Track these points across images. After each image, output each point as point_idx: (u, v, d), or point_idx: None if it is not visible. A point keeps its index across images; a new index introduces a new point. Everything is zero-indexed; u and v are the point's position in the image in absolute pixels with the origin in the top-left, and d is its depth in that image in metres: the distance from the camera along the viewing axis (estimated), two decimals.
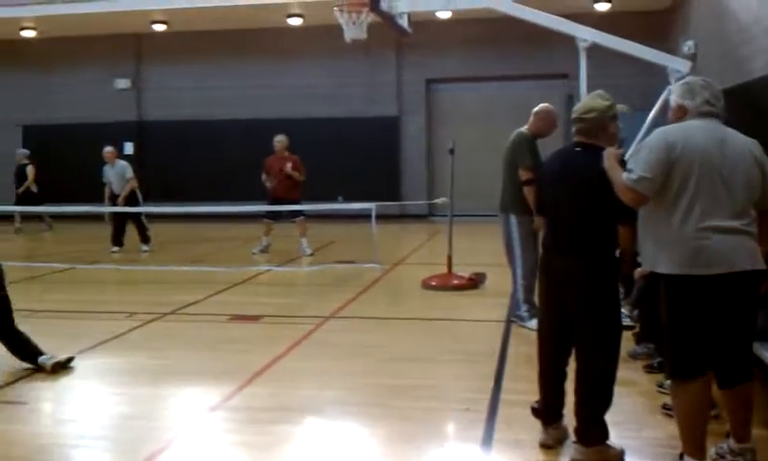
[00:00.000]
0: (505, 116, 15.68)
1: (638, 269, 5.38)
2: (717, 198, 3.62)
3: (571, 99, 15.38)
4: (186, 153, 19.01)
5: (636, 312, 6.09)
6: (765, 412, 4.51)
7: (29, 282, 10.61)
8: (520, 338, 6.69)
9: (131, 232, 13.15)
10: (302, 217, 12.38)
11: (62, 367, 5.86)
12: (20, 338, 5.93)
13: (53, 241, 15.71)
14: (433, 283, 9.20)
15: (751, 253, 3.65)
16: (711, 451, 3.87)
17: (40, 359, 5.83)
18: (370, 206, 10.99)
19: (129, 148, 18.99)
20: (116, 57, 19.58)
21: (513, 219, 7.07)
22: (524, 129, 7.12)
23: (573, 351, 4.19)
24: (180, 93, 19.34)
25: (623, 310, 4.61)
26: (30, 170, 16.60)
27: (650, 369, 5.52)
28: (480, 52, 18.02)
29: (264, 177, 12.43)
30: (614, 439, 4.10)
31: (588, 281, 4.03)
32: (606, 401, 4.06)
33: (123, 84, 19.65)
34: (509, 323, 7.23)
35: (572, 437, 4.13)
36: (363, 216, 11.69)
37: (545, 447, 4.24)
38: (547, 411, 4.28)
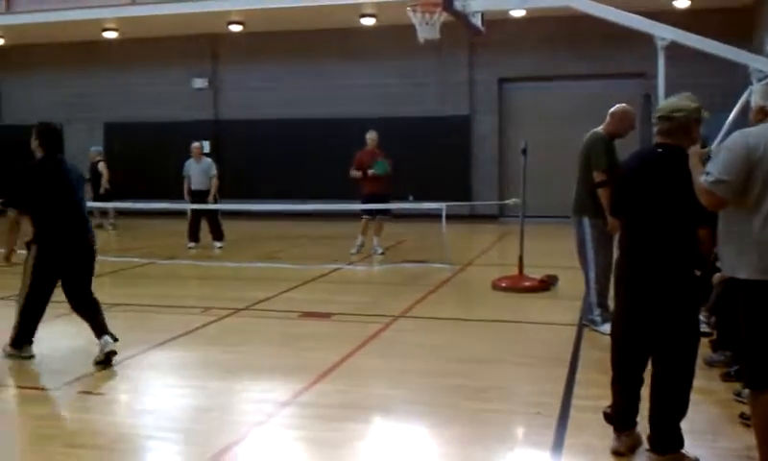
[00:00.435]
0: (579, 116, 15.40)
1: (717, 274, 5.25)
2: None
3: (648, 99, 15.05)
4: (260, 151, 19.32)
5: (713, 319, 5.94)
6: None
7: (110, 276, 10.97)
8: (593, 342, 6.59)
9: (204, 228, 13.43)
10: (384, 216, 12.41)
11: (106, 360, 5.96)
12: (94, 305, 6.23)
13: (133, 237, 16.17)
14: (504, 285, 9.14)
15: None
16: None
17: (104, 338, 6.00)
18: (440, 205, 10.98)
19: (205, 146, 19.38)
20: (194, 57, 20.04)
21: (586, 221, 6.97)
22: (600, 129, 7.01)
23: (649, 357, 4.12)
24: (254, 93, 19.67)
25: (700, 317, 4.50)
26: (102, 167, 17.10)
27: (727, 377, 5.36)
28: (554, 50, 17.79)
29: (354, 172, 12.33)
30: (689, 448, 4.01)
31: (668, 286, 3.95)
32: (681, 409, 3.98)
33: (200, 83, 20.09)
34: (581, 326, 7.12)
35: (645, 445, 4.06)
36: (433, 216, 11.69)
37: (617, 454, 4.17)
38: (620, 417, 4.21)
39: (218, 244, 13.31)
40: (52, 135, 6.23)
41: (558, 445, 4.40)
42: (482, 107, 18.73)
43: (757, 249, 3.55)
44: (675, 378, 3.97)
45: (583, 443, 4.38)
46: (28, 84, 21.20)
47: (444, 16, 10.97)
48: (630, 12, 10.08)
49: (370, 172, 12.08)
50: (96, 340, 6.01)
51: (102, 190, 16.88)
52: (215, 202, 13.27)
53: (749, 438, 3.96)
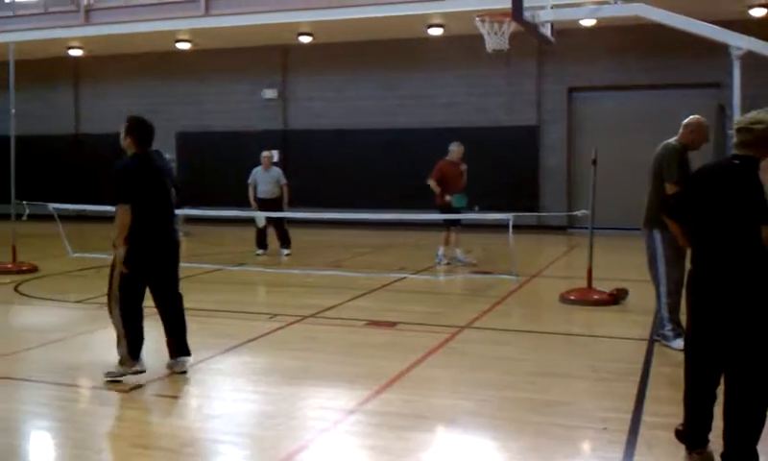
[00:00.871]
0: (650, 127, 15.18)
1: None
2: None
3: (722, 110, 14.67)
4: (327, 161, 19.53)
5: None
6: None
7: (183, 282, 11.20)
8: (664, 358, 6.46)
9: (272, 235, 13.62)
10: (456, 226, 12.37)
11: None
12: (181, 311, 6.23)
13: (203, 243, 16.49)
14: (572, 297, 9.01)
15: None
16: None
17: (180, 359, 6.05)
18: (507, 216, 10.91)
19: (275, 156, 19.70)
20: (264, 68, 20.39)
21: (657, 234, 6.83)
22: (674, 140, 6.87)
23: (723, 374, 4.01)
24: (323, 103, 19.92)
25: None
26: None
27: None
28: (625, 60, 17.53)
29: (434, 184, 12.18)
30: None
31: (744, 301, 3.86)
32: (758, 428, 3.86)
33: (270, 93, 20.42)
34: (652, 342, 6.98)
35: None
36: (500, 226, 11.62)
37: None
38: (692, 435, 4.11)
39: (285, 251, 13.50)
40: (144, 130, 6.07)
41: None
42: (550, 117, 18.56)
43: None
44: (750, 395, 3.86)
45: None
46: (104, 93, 21.89)
47: (513, 26, 10.93)
48: (703, 20, 9.86)
49: (447, 198, 11.99)
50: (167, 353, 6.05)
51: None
52: (272, 209, 13.44)
53: None
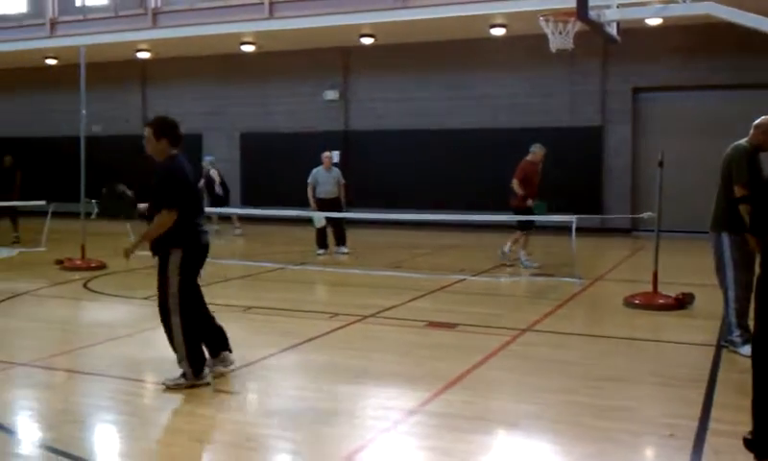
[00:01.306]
0: (718, 127, 14.82)
1: None
2: None
3: None
4: (388, 162, 19.57)
5: None
6: None
7: (245, 280, 11.43)
8: (732, 364, 6.29)
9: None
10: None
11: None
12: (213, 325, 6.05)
13: (265, 242, 16.71)
14: (636, 302, 8.84)
15: None
16: None
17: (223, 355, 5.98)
18: (570, 218, 10.77)
19: (335, 156, 19.83)
20: (326, 69, 20.54)
21: (725, 238, 6.66)
22: (744, 141, 6.69)
23: None
24: (384, 104, 19.98)
25: None
26: (215, 175, 17.74)
27: None
28: (692, 60, 17.13)
29: (516, 183, 12.00)
30: None
31: None
32: None
33: (331, 95, 20.56)
34: (719, 347, 6.80)
35: None
36: (562, 228, 11.48)
37: None
38: (761, 443, 4.00)
39: (343, 249, 13.62)
40: (177, 130, 5.86)
41: None
42: (615, 117, 18.25)
43: None
44: None
45: None
46: (170, 95, 22.34)
47: (578, 26, 10.78)
48: None
49: (529, 202, 11.83)
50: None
51: (221, 192, 17.49)
52: (333, 210, 13.59)
53: None
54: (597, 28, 10.46)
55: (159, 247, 5.69)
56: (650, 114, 18.29)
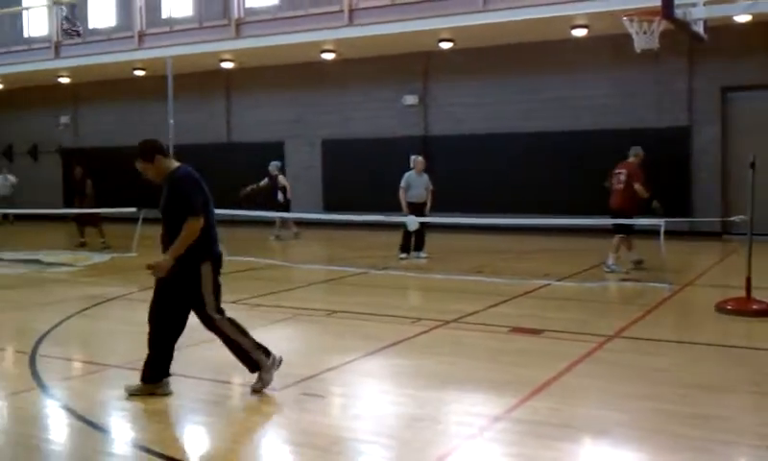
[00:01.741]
0: None
1: None
2: None
3: None
4: (468, 166, 19.47)
5: None
6: None
7: (328, 285, 11.55)
8: None
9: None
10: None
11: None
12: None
13: (346, 247, 16.85)
14: (729, 307, 8.54)
15: None
16: None
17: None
18: (659, 222, 10.50)
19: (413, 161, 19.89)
20: (405, 74, 20.59)
21: None
22: None
23: None
24: (463, 108, 19.88)
25: None
26: (283, 179, 17.93)
27: None
28: None
29: (641, 188, 11.78)
30: None
31: None
32: None
33: (411, 100, 20.59)
34: None
35: None
36: (649, 232, 11.19)
37: None
38: None
39: (423, 254, 13.66)
40: (159, 143, 5.83)
41: None
42: (703, 117, 17.69)
43: None
44: None
45: None
46: (253, 104, 22.80)
47: (663, 25, 10.53)
48: None
49: (655, 204, 11.64)
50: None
51: (283, 199, 17.71)
52: (417, 214, 13.65)
53: None
54: (683, 27, 10.20)
55: (186, 263, 5.51)
56: (739, 114, 17.65)
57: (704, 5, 10.02)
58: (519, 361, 6.67)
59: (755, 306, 8.45)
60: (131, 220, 15.44)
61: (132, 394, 5.66)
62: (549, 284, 10.90)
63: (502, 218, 15.73)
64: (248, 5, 20.38)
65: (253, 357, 5.74)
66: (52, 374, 6.33)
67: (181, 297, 5.64)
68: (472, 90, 19.81)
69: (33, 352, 6.98)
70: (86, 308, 9.17)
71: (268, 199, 17.66)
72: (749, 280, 8.63)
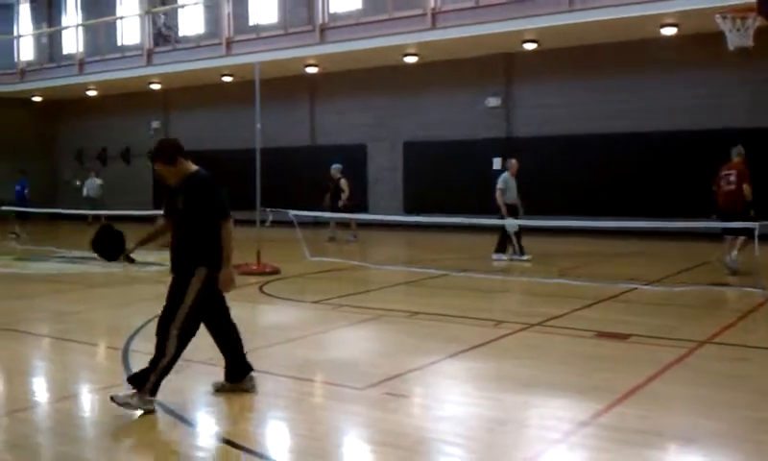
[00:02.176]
0: None
1: None
2: None
3: None
4: (552, 168, 19.19)
5: None
6: None
7: (409, 286, 11.57)
8: None
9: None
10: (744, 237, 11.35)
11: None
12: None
13: (426, 249, 16.83)
14: None
15: None
16: None
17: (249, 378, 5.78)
18: (753, 225, 10.12)
19: (497, 163, 19.75)
20: (487, 76, 20.46)
21: None
22: None
23: None
24: (546, 109, 19.62)
25: None
26: (344, 184, 17.96)
27: None
28: None
29: (749, 189, 11.51)
30: None
31: None
32: None
33: (493, 102, 20.45)
34: None
35: None
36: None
37: None
38: None
39: (525, 256, 13.61)
40: (179, 144, 5.63)
41: None
42: None
43: None
44: None
45: None
46: (336, 108, 23.06)
47: (759, 22, 10.17)
48: None
49: (752, 214, 11.26)
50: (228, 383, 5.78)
51: (341, 204, 17.78)
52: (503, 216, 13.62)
53: None
54: None
55: (185, 266, 5.37)
56: None
57: None
58: (605, 366, 6.53)
59: None
60: None
61: (218, 390, 5.78)
62: (637, 288, 10.63)
63: (587, 221, 15.44)
64: (332, 10, 20.61)
65: (151, 378, 5.25)
66: None
67: (204, 301, 5.42)
68: (556, 91, 19.54)
69: (125, 348, 7.22)
70: None
71: (331, 201, 17.85)
72: None
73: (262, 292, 10.66)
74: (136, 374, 5.33)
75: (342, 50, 19.72)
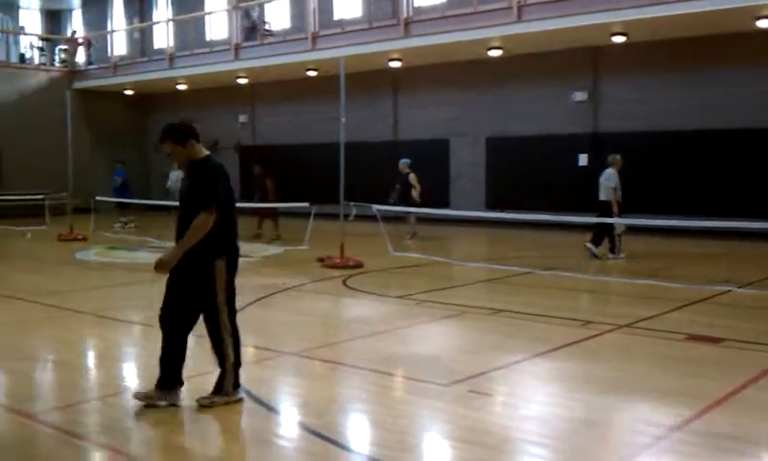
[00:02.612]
0: None
1: None
2: None
3: None
4: (641, 165, 18.66)
5: None
6: None
7: (492, 283, 11.48)
8: None
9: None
10: None
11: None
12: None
13: (509, 246, 16.67)
14: None
15: None
16: None
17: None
18: None
19: (583, 159, 19.39)
20: (574, 70, 20.06)
21: None
22: None
23: None
24: (635, 104, 19.08)
25: None
26: (413, 178, 17.73)
27: None
28: None
29: None
30: None
31: None
32: None
33: (580, 96, 20.04)
34: None
35: None
36: None
37: None
38: None
39: (621, 255, 13.47)
40: (192, 126, 5.35)
41: None
42: None
43: None
44: None
45: None
46: (419, 102, 23.00)
47: None
48: None
49: None
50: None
51: (416, 198, 17.58)
52: (606, 214, 13.57)
53: None
54: None
55: (200, 258, 5.14)
56: None
57: None
58: (697, 371, 6.34)
59: None
60: (302, 215, 16.02)
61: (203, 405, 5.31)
62: (730, 290, 10.26)
63: (678, 220, 15.01)
64: (416, 4, 20.57)
65: (228, 379, 5.31)
66: None
67: (194, 296, 5.24)
68: (646, 86, 18.99)
69: None
70: (262, 298, 9.60)
71: (402, 197, 17.67)
72: None
73: (345, 285, 10.75)
74: (215, 384, 5.36)
75: (426, 44, 19.65)
